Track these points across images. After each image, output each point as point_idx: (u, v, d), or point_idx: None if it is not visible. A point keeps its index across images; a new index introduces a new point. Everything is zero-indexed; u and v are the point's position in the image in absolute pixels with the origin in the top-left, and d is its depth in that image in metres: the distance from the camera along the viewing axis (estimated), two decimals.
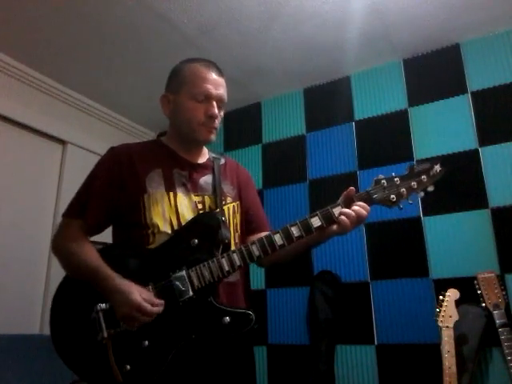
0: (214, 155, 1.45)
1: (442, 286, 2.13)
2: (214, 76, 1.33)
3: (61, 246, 1.28)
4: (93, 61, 2.62)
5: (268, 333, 2.65)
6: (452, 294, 1.98)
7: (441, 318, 1.94)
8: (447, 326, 1.92)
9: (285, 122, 3.03)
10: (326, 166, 2.79)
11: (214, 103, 1.31)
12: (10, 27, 2.31)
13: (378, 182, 1.22)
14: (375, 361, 2.35)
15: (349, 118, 2.79)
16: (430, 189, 1.21)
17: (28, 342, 2.25)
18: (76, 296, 1.23)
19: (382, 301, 2.41)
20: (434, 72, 2.59)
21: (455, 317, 1.93)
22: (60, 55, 2.56)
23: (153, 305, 1.12)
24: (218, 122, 1.34)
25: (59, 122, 2.87)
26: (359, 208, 1.18)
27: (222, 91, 1.33)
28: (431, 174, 1.21)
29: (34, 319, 2.56)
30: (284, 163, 2.94)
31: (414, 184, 1.20)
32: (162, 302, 1.15)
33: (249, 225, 1.44)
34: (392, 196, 1.20)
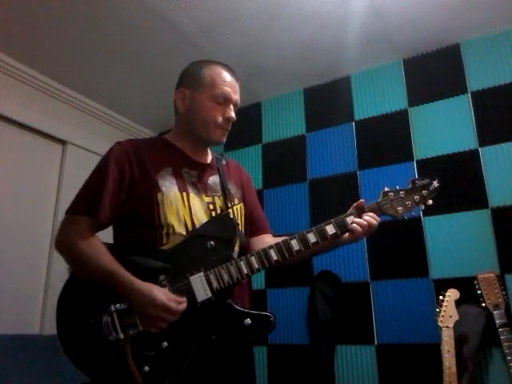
0: (216, 156, 1.46)
1: (442, 285, 2.13)
2: (233, 81, 1.36)
3: (68, 245, 1.21)
4: (93, 61, 2.62)
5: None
6: (452, 294, 1.98)
7: (441, 318, 1.94)
8: (447, 326, 1.92)
9: (285, 122, 3.03)
10: (326, 166, 2.78)
11: (232, 107, 1.34)
12: (10, 27, 2.31)
13: (385, 194, 1.32)
14: (375, 361, 2.35)
15: (349, 118, 2.79)
16: (430, 202, 1.32)
17: (28, 341, 2.25)
18: (84, 295, 1.19)
19: (381, 301, 2.41)
20: (434, 72, 2.59)
21: (455, 317, 1.93)
22: (60, 55, 2.56)
23: (177, 303, 1.12)
24: (230, 126, 1.37)
25: (59, 122, 2.87)
26: (370, 218, 1.26)
27: (238, 97, 1.38)
28: (431, 188, 1.32)
29: (34, 319, 2.56)
30: (284, 163, 2.94)
31: (416, 198, 1.31)
32: (185, 299, 1.14)
33: (251, 226, 1.45)
34: (399, 208, 1.31)
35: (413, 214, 1.33)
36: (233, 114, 1.34)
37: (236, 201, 1.38)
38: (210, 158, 1.43)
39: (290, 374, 2.53)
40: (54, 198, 2.79)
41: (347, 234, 1.27)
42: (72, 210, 1.25)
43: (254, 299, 1.39)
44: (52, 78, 2.78)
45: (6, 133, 2.60)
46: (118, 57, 2.59)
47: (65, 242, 1.23)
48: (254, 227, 1.46)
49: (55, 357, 2.11)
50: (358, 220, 1.26)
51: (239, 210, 1.38)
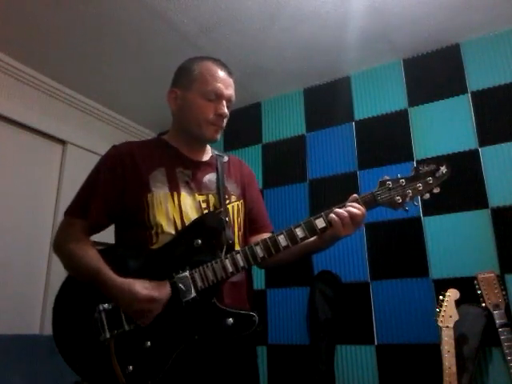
0: (217, 153, 1.44)
1: (442, 286, 2.13)
2: (225, 75, 1.33)
3: (62, 246, 1.26)
4: (93, 61, 2.62)
5: (268, 333, 2.65)
6: (452, 294, 1.98)
7: (441, 318, 1.94)
8: (447, 326, 1.92)
9: (285, 122, 3.03)
10: (326, 166, 2.78)
11: (225, 103, 1.31)
12: (9, 27, 2.31)
13: (383, 183, 1.20)
14: (375, 361, 2.35)
15: (349, 118, 2.79)
16: (436, 190, 1.19)
17: (28, 341, 2.25)
18: (78, 296, 1.22)
19: (382, 301, 2.41)
20: (434, 72, 2.59)
21: (455, 317, 1.93)
22: (60, 55, 2.56)
23: (159, 291, 1.12)
24: (225, 122, 1.34)
25: (59, 122, 2.87)
26: (351, 208, 1.17)
27: (231, 91, 1.34)
28: (437, 175, 1.19)
29: (34, 319, 2.56)
30: (284, 163, 2.94)
31: (419, 185, 1.19)
32: (167, 284, 1.14)
33: (251, 224, 1.43)
34: (397, 197, 1.18)
35: (415, 204, 1.19)
36: (225, 110, 1.31)
37: (233, 198, 1.36)
38: (208, 156, 1.41)
39: (290, 374, 2.53)
40: (54, 198, 2.79)
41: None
42: (67, 213, 1.30)
43: (254, 299, 1.38)
44: (52, 78, 2.78)
45: (6, 133, 2.60)
46: (117, 57, 2.59)
47: (59, 244, 1.28)
48: (254, 225, 1.43)
49: (55, 357, 2.11)
50: (337, 210, 1.17)
51: (236, 208, 1.36)
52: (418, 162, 2.49)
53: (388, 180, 1.20)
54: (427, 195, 1.20)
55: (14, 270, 2.50)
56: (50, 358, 2.08)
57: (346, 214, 1.16)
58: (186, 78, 1.34)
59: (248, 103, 3.16)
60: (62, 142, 2.91)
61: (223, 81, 1.31)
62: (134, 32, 2.37)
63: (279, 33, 2.42)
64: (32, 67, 2.66)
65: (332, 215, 1.17)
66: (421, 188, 1.19)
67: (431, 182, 1.19)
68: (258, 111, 3.15)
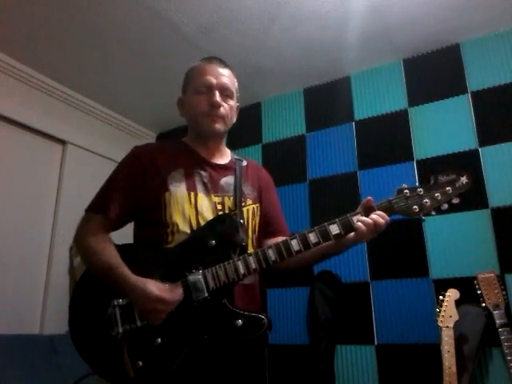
0: (236, 157, 1.46)
1: (442, 285, 2.13)
2: (214, 67, 1.37)
3: (81, 241, 1.29)
4: (93, 61, 2.62)
5: (268, 333, 2.65)
6: (452, 294, 1.98)
7: (441, 318, 1.94)
8: (447, 326, 1.92)
9: (285, 122, 3.03)
10: (326, 166, 2.79)
11: (216, 92, 1.33)
12: (9, 27, 2.31)
13: (400, 191, 1.19)
14: (375, 361, 2.35)
15: (349, 118, 2.79)
16: (455, 201, 1.16)
17: (28, 341, 2.25)
18: (95, 291, 1.24)
19: (382, 301, 2.41)
20: (434, 72, 2.59)
21: (455, 317, 1.93)
22: (60, 55, 2.56)
23: (170, 292, 1.14)
24: (223, 111, 1.33)
25: (59, 122, 2.87)
26: (377, 216, 1.17)
27: (223, 79, 1.35)
28: (457, 185, 1.16)
29: (34, 319, 2.56)
30: (284, 163, 2.94)
31: (437, 195, 1.16)
32: (179, 287, 1.16)
33: (267, 227, 1.44)
34: (414, 207, 1.16)
35: (433, 213, 1.16)
36: (215, 99, 1.31)
37: (249, 201, 1.37)
38: (227, 160, 1.43)
39: (290, 374, 2.53)
40: (54, 198, 2.78)
41: (352, 234, 1.20)
42: (87, 208, 1.32)
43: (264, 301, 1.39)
44: (52, 78, 2.78)
45: (6, 133, 2.60)
46: (118, 57, 2.59)
47: (77, 238, 1.31)
48: (270, 228, 1.45)
49: (55, 357, 2.11)
50: (362, 218, 1.17)
51: (251, 211, 1.37)
52: (418, 162, 2.49)
53: (406, 188, 1.18)
54: (445, 206, 1.16)
55: (14, 270, 2.50)
56: (50, 358, 2.09)
57: (370, 221, 1.16)
58: (184, 83, 1.42)
59: (248, 103, 3.16)
60: (62, 142, 2.91)
61: (212, 72, 1.35)
62: (135, 32, 2.37)
63: (279, 33, 2.42)
64: (32, 67, 2.66)
65: (358, 223, 1.17)
66: (439, 198, 1.16)
67: (450, 192, 1.15)
68: (258, 111, 3.15)
